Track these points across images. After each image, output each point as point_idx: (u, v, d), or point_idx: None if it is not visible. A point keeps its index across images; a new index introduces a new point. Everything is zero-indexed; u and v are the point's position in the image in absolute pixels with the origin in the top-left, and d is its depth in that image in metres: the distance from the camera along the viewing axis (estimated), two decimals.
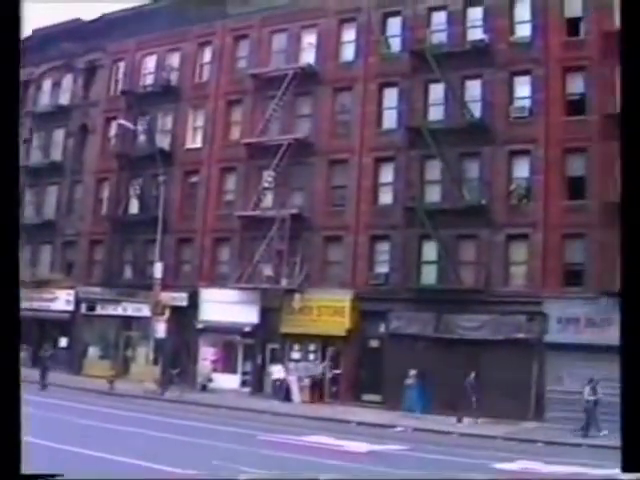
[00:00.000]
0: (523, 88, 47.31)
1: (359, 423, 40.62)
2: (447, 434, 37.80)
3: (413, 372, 45.92)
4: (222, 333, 54.77)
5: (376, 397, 48.45)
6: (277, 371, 50.72)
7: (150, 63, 62.73)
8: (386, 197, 50.50)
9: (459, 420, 41.74)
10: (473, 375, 42.40)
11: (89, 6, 58.53)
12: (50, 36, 64.75)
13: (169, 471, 21.52)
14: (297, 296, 51.24)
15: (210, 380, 53.90)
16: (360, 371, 49.63)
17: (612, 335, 40.72)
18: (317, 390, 50.29)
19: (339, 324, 49.67)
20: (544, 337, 43.75)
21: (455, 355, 45.28)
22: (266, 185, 53.89)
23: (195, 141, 59.33)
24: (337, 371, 50.44)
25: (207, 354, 55.67)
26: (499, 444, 35.05)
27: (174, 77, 60.84)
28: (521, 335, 44.16)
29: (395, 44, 52.00)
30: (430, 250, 48.25)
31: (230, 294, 53.83)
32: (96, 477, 18.08)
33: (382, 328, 48.83)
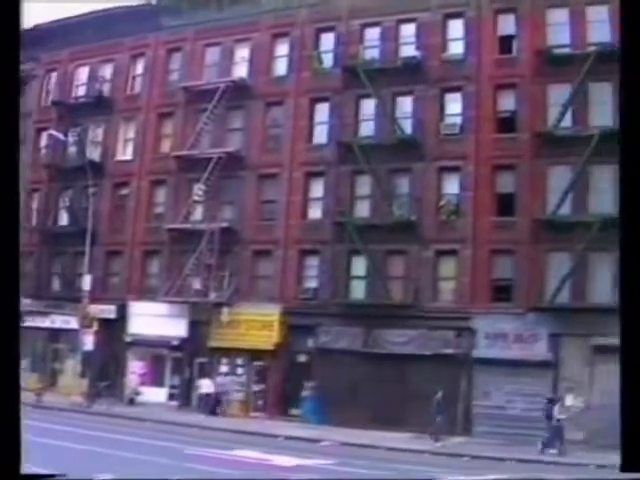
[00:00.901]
0: (454, 105, 46.95)
1: (287, 437, 39.78)
2: (375, 448, 37.01)
3: (309, 384, 46.00)
4: (150, 346, 53.21)
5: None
6: (205, 385, 49.39)
7: (83, 74, 61.09)
8: (316, 212, 49.78)
9: (436, 440, 40.23)
10: (440, 394, 41.11)
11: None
12: None
13: None
14: (226, 310, 50.09)
15: (138, 393, 52.45)
16: (288, 385, 48.58)
17: (539, 350, 41.80)
18: (245, 404, 49.28)
19: (267, 338, 48.62)
20: (472, 352, 43.39)
21: (384, 370, 44.68)
22: (196, 198, 52.71)
23: (126, 153, 57.85)
24: (265, 385, 49.41)
25: (135, 367, 54.15)
26: (427, 458, 34.58)
27: (106, 88, 59.30)
28: (449, 350, 43.71)
29: (328, 59, 51.31)
30: (359, 265, 47.56)
31: (159, 307, 52.43)
32: (96, 477, 17.70)
33: (310, 343, 47.92)
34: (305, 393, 45.82)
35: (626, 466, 5.39)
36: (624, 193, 5.77)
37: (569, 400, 40.64)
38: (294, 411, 47.79)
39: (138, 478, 20.64)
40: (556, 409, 38.54)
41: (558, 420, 38.18)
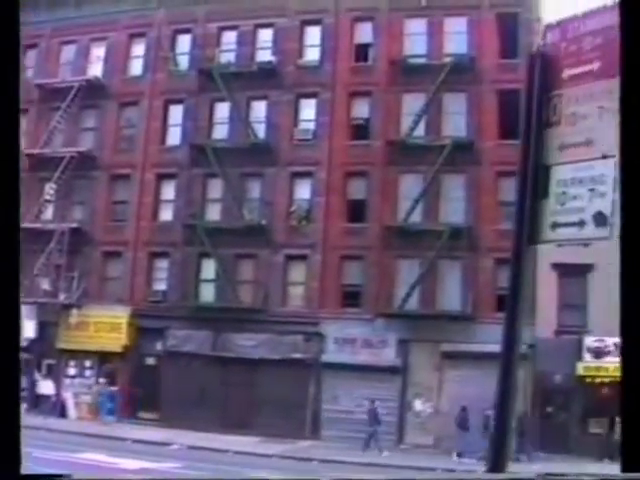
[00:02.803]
0: (309, 111, 45.72)
1: (135, 440, 37.94)
2: (223, 452, 35.62)
3: (103, 380, 45.41)
4: None
5: (153, 415, 45.25)
6: (45, 386, 46.67)
7: None
8: (167, 214, 47.66)
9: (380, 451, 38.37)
10: (377, 403, 39.63)
11: None
12: None
13: None
14: (74, 311, 47.41)
15: None
16: (137, 388, 46.10)
17: (388, 356, 41.64)
18: (93, 407, 46.61)
19: (116, 340, 46.22)
20: (321, 357, 42.45)
21: (233, 374, 43.27)
22: (47, 197, 49.37)
23: None
24: (114, 388, 46.70)
25: None
26: (275, 462, 33.98)
27: None
28: (298, 355, 42.66)
29: (184, 61, 49.06)
30: (209, 268, 45.89)
31: None
32: (97, 477, 15.43)
33: (159, 345, 45.82)
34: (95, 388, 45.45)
35: (626, 466, 4.89)
36: (625, 193, 5.05)
37: (418, 405, 40.38)
38: (144, 414, 45.52)
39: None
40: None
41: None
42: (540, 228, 5.51)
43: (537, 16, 40.75)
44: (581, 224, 5.29)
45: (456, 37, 43.96)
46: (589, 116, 5.38)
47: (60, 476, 4.27)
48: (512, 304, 5.54)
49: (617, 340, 40.08)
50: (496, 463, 5.38)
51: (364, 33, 45.74)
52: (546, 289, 41.07)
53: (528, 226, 5.48)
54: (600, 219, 5.19)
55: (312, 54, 46.10)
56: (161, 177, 47.82)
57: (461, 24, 44.06)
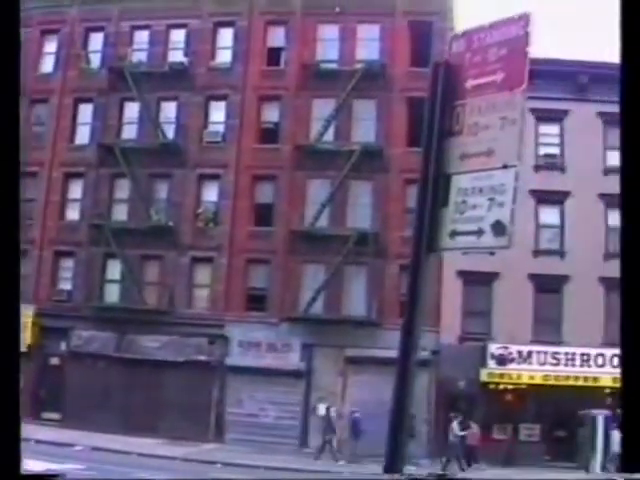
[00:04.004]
0: (218, 113, 44.64)
1: (38, 441, 35.53)
2: (127, 454, 34.46)
3: None
4: None
5: (56, 415, 43.57)
6: None
7: None
8: (73, 213, 46.05)
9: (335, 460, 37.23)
10: (334, 409, 38.72)
11: None
12: None
13: None
14: None
15: None
16: (40, 389, 44.36)
17: (292, 360, 41.29)
18: None
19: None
20: (225, 360, 41.59)
21: (137, 375, 41.89)
22: None
23: None
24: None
25: None
26: (178, 465, 33.05)
27: None
28: (202, 357, 41.71)
29: (96, 60, 47.35)
30: (114, 269, 44.52)
31: None
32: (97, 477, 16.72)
33: (63, 346, 44.32)
34: None
35: (626, 466, 4.94)
36: (625, 194, 5.32)
37: (322, 409, 39.46)
38: (47, 414, 43.70)
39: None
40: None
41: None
42: (439, 236, 5.46)
43: (451, 25, 40.26)
44: (480, 233, 5.21)
45: (368, 44, 43.43)
46: (491, 126, 5.32)
47: (58, 476, 4.59)
48: (410, 310, 5.50)
49: (520, 347, 40.06)
50: (391, 467, 5.28)
51: (277, 37, 44.92)
52: (451, 296, 40.75)
53: (428, 234, 5.44)
54: (499, 228, 5.10)
55: (224, 56, 45.03)
56: (69, 176, 46.12)
57: (374, 31, 43.56)
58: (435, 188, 5.47)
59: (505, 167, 5.13)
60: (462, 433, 36.96)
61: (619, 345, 5.50)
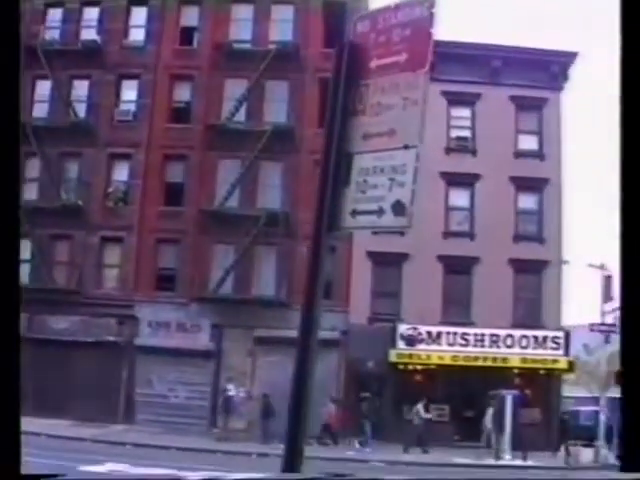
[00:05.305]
0: (130, 92, 43.77)
1: None
2: (37, 435, 32.05)
3: None
4: None
5: None
6: None
7: None
8: None
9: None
10: (233, 390, 38.10)
11: None
12: None
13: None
14: None
15: None
16: None
17: (202, 340, 40.88)
18: None
19: None
20: (135, 340, 41.01)
21: (46, 356, 40.30)
22: None
23: None
24: None
25: None
26: (88, 446, 32.01)
27: None
28: (112, 338, 40.89)
29: None
30: (24, 249, 42.57)
31: None
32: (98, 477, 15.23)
33: None
34: None
35: (626, 466, 4.89)
36: (624, 193, 5.10)
37: (231, 390, 38.74)
38: None
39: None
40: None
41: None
42: (340, 215, 5.35)
43: (365, 6, 39.81)
44: (380, 212, 5.12)
45: (282, 24, 42.99)
46: (393, 107, 5.20)
47: (59, 476, 4.12)
48: (310, 289, 5.33)
49: (430, 328, 39.95)
50: (292, 449, 5.17)
51: (190, 16, 44.12)
52: (360, 277, 40.61)
53: (329, 212, 5.34)
54: (399, 208, 5.01)
55: (137, 35, 44.17)
56: None
57: (288, 12, 43.17)
58: (337, 167, 5.36)
59: (406, 147, 5.02)
60: (427, 416, 36.84)
61: (619, 343, 5.75)
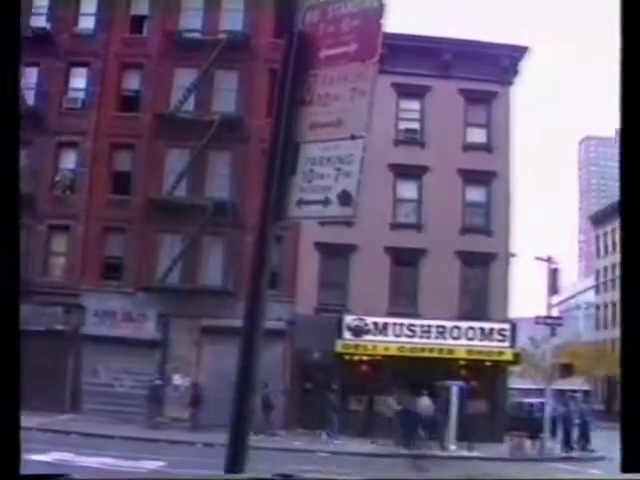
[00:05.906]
0: (79, 80, 43.42)
1: None
2: None
3: None
4: None
5: None
6: None
7: None
8: None
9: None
10: (159, 381, 38.51)
11: None
12: None
13: None
14: None
15: None
16: None
17: (148, 330, 40.66)
18: None
19: None
20: (81, 329, 40.51)
21: None
22: None
23: None
24: None
25: None
26: (34, 435, 31.23)
27: None
28: (58, 326, 40.39)
29: None
30: None
31: None
32: (98, 477, 14.33)
33: None
34: None
35: (626, 466, 4.73)
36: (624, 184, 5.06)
37: (176, 379, 39.53)
38: None
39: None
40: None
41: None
42: (286, 204, 5.33)
43: None
44: (326, 202, 5.10)
45: (233, 14, 42.74)
46: (341, 97, 5.17)
47: (60, 476, 3.89)
48: (256, 279, 5.30)
49: (376, 319, 39.98)
50: (236, 439, 5.10)
51: (141, 4, 43.81)
52: (308, 267, 40.54)
53: (275, 202, 5.32)
54: (345, 198, 5.00)
55: (87, 22, 43.63)
56: None
57: (239, 1, 43.00)
58: (284, 156, 5.31)
59: (353, 138, 4.99)
60: (398, 408, 36.47)
61: (620, 343, 5.66)
